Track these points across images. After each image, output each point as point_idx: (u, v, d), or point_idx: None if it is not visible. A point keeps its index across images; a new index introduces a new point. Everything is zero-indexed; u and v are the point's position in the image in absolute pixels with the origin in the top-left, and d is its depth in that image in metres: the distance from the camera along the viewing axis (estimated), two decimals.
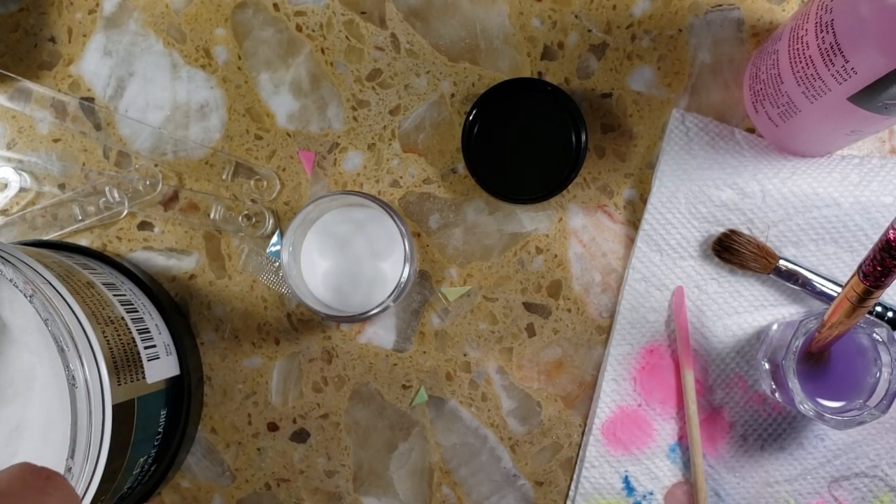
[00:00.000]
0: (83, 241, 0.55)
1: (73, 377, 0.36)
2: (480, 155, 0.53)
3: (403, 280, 0.48)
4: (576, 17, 0.54)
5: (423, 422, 0.54)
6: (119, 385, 0.40)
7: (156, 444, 0.47)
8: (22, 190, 0.55)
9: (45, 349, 0.39)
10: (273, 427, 0.55)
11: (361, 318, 0.48)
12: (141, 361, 0.43)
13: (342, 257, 0.51)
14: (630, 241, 0.54)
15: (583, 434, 0.54)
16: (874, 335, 0.47)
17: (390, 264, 0.50)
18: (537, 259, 0.54)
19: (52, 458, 0.43)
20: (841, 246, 0.52)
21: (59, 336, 0.36)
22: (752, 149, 0.52)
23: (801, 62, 0.43)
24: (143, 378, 0.43)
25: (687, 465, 0.52)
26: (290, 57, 0.55)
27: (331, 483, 0.55)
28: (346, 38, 0.54)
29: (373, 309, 0.48)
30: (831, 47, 0.40)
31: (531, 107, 0.52)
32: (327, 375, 0.55)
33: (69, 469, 0.36)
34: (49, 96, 0.55)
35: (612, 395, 0.53)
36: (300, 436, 0.55)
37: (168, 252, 0.55)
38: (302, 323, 0.55)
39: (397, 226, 0.48)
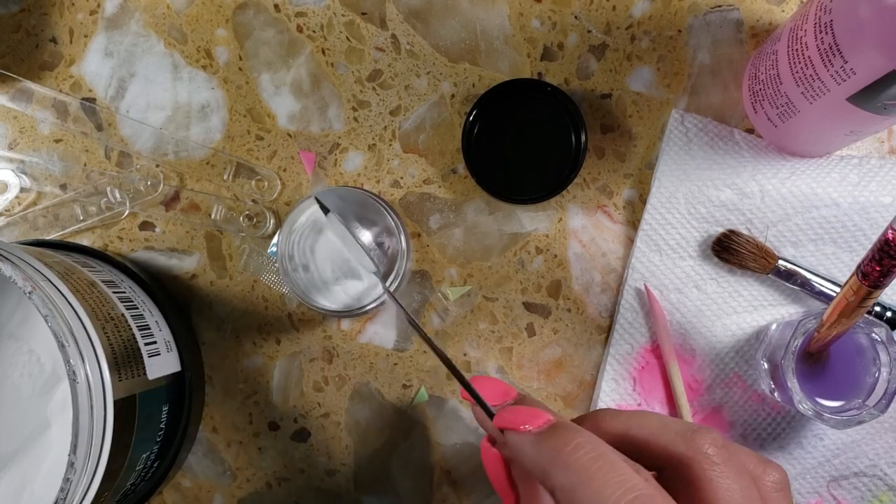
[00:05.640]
0: (85, 241, 0.55)
1: (74, 372, 0.36)
2: (480, 155, 0.53)
3: (400, 275, 0.48)
4: (575, 17, 0.54)
5: (424, 421, 0.54)
6: (120, 381, 0.40)
7: (158, 440, 0.47)
8: (23, 190, 0.55)
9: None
10: (274, 426, 0.55)
11: (359, 314, 0.49)
12: (142, 357, 0.44)
13: (339, 253, 0.51)
14: (629, 242, 0.54)
15: None
16: (873, 335, 0.47)
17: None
18: (537, 259, 0.54)
19: (54, 455, 0.43)
20: (840, 246, 0.52)
21: (59, 332, 0.36)
22: (751, 149, 0.52)
23: (800, 63, 0.44)
24: (144, 374, 0.43)
25: None
26: (291, 58, 0.55)
27: (331, 482, 0.55)
28: (347, 38, 0.55)
29: (370, 304, 0.48)
30: (830, 48, 0.40)
31: (531, 107, 0.53)
32: (328, 375, 0.55)
33: (71, 464, 0.36)
34: (50, 97, 0.55)
35: (612, 394, 0.53)
36: (301, 435, 0.55)
37: (169, 252, 0.55)
38: (303, 323, 0.55)
39: (393, 221, 0.49)
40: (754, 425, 0.52)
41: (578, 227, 0.54)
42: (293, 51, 0.55)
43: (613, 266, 0.54)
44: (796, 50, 0.44)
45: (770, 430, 0.52)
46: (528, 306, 0.54)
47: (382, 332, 0.54)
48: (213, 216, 0.54)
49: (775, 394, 0.50)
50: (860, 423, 0.46)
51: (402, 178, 0.54)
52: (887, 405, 0.46)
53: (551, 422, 0.32)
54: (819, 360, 0.49)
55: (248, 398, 0.55)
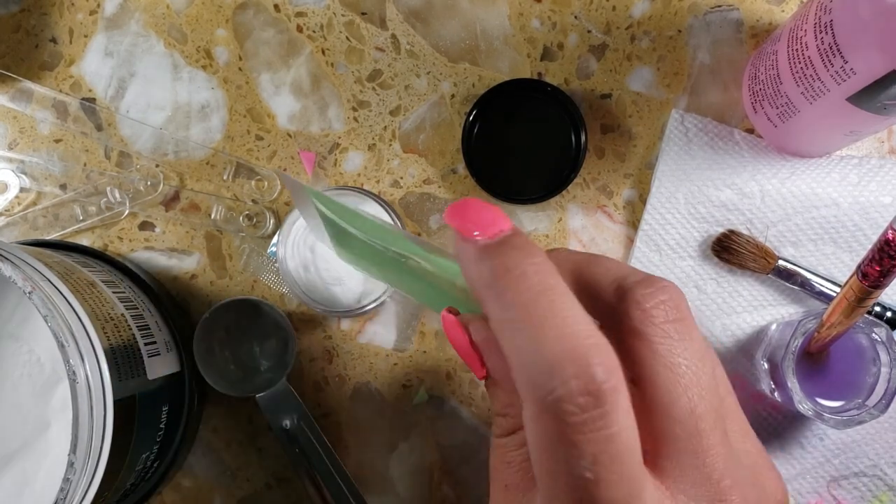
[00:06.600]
0: (84, 241, 0.55)
1: (74, 373, 0.36)
2: (480, 155, 0.53)
3: None
4: (575, 18, 0.54)
5: (424, 421, 0.54)
6: (120, 381, 0.40)
7: (157, 440, 0.47)
8: (23, 190, 0.55)
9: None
10: None
11: (359, 314, 0.49)
12: (141, 357, 0.44)
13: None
14: (629, 242, 0.54)
15: None
16: (873, 335, 0.47)
17: None
18: None
19: (54, 455, 0.43)
20: (840, 246, 0.52)
21: (58, 332, 0.36)
22: (751, 149, 0.52)
23: (799, 63, 0.44)
24: (144, 374, 0.43)
25: None
26: (291, 58, 0.55)
27: None
28: (347, 38, 0.55)
29: (370, 304, 0.48)
30: (830, 48, 0.40)
31: (531, 107, 0.52)
32: (328, 375, 0.55)
33: (71, 464, 0.36)
34: (50, 97, 0.55)
35: None
36: None
37: (169, 252, 0.55)
38: (303, 323, 0.55)
39: (394, 221, 0.49)
40: (754, 425, 0.52)
41: (578, 227, 0.54)
42: (293, 51, 0.55)
43: None
44: (796, 50, 0.44)
45: (770, 431, 0.52)
46: None
47: (382, 332, 0.54)
48: (212, 216, 0.54)
49: (775, 394, 0.50)
50: (860, 423, 0.46)
51: (401, 178, 0.54)
52: (887, 405, 0.46)
53: (504, 232, 0.25)
54: (819, 361, 0.49)
55: (248, 398, 0.55)
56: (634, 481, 0.23)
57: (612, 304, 0.26)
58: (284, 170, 0.55)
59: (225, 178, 0.55)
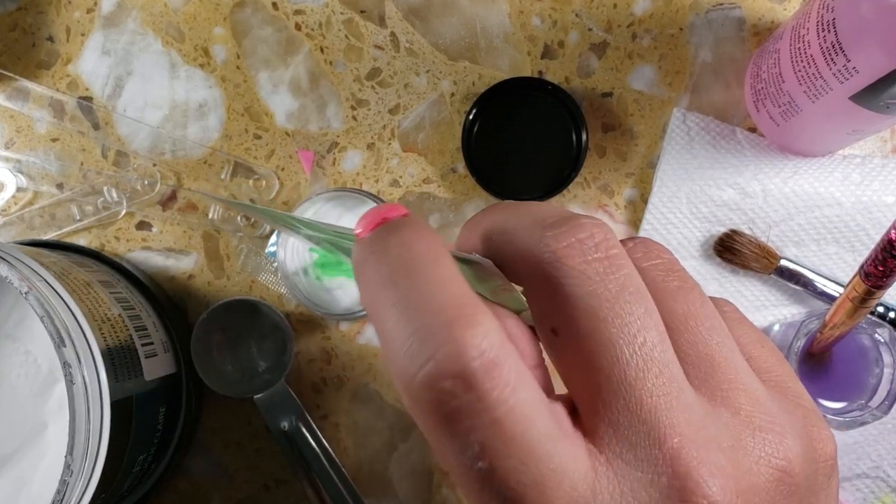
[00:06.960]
0: (81, 241, 0.55)
1: (71, 374, 0.36)
2: (480, 154, 0.52)
3: None
4: (576, 15, 0.54)
5: None
6: (117, 382, 0.40)
7: (155, 442, 0.47)
8: (20, 190, 0.55)
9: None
10: None
11: (360, 316, 0.48)
12: (138, 358, 0.43)
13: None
14: None
15: None
16: (876, 336, 0.47)
17: None
18: None
19: (51, 456, 0.42)
20: (843, 246, 0.52)
21: (55, 333, 0.36)
22: (754, 148, 0.52)
23: (802, 61, 0.43)
24: (141, 375, 0.43)
25: None
26: (289, 56, 0.55)
27: None
28: (346, 36, 0.54)
29: None
30: (833, 46, 0.40)
31: (531, 106, 0.52)
32: (326, 376, 0.54)
33: (68, 466, 0.36)
34: (47, 95, 0.54)
35: None
36: None
37: (166, 252, 0.55)
38: (301, 323, 0.54)
39: None
40: None
41: None
42: (291, 49, 0.54)
43: None
44: (799, 48, 0.43)
45: None
46: None
47: None
48: (210, 216, 0.54)
49: None
50: (863, 424, 0.46)
51: (401, 177, 0.54)
52: (890, 406, 0.46)
53: (387, 221, 0.22)
54: (822, 361, 0.49)
55: (246, 399, 0.54)
56: (544, 459, 0.20)
57: (533, 249, 0.22)
58: (282, 169, 0.54)
59: (222, 177, 0.54)
